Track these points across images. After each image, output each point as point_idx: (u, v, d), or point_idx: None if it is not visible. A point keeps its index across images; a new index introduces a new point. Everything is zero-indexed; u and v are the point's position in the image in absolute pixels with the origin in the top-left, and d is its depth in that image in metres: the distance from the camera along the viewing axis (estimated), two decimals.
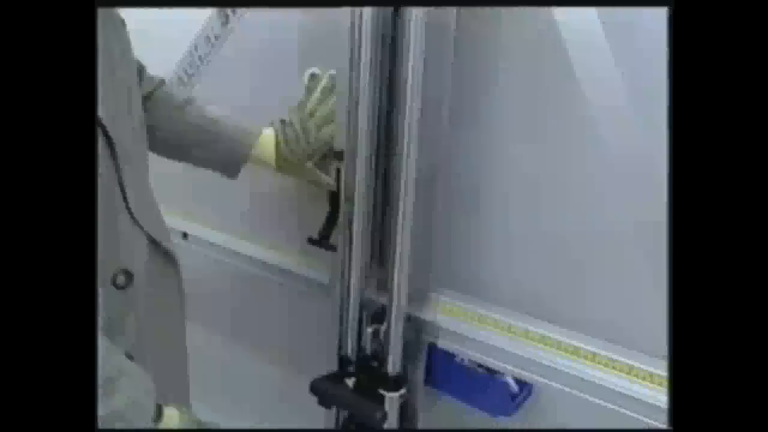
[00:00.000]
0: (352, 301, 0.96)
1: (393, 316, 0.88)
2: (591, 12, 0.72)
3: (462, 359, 0.95)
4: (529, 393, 0.93)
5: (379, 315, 0.93)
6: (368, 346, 0.94)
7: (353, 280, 0.95)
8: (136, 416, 0.69)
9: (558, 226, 0.83)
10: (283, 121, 0.95)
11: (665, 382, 0.76)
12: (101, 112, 0.68)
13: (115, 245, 0.74)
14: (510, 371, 0.89)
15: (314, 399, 1.13)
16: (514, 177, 0.85)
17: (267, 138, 0.96)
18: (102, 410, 0.65)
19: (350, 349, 0.95)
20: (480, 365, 0.93)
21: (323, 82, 0.94)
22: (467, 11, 0.80)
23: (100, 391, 0.64)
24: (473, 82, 0.84)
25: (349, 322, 0.94)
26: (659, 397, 0.76)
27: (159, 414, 0.73)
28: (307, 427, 1.19)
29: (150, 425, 0.71)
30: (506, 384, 0.91)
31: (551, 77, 0.78)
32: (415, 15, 0.77)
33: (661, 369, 0.77)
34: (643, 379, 0.78)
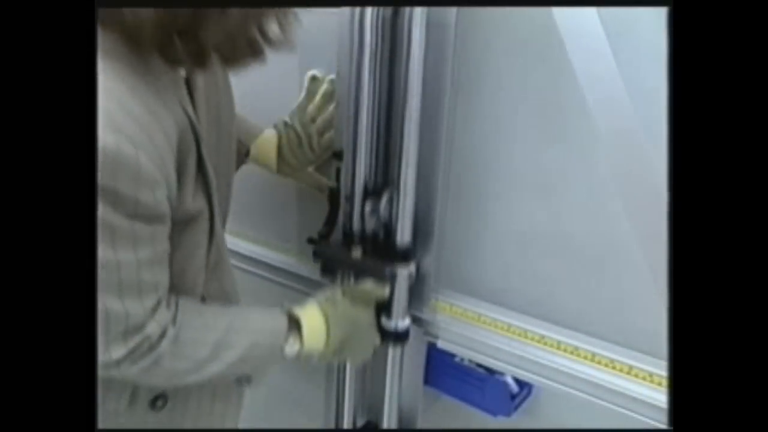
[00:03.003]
0: None
1: (402, 183, 0.84)
2: (591, 12, 0.72)
3: (462, 359, 0.95)
4: (529, 393, 0.94)
5: (378, 191, 0.88)
6: (368, 223, 0.89)
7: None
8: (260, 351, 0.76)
9: (558, 225, 0.83)
10: (285, 123, 0.95)
11: (665, 382, 0.76)
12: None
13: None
14: (510, 371, 0.89)
15: (314, 399, 1.13)
16: (514, 177, 0.85)
17: (268, 139, 0.96)
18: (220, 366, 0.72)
19: (355, 224, 0.90)
20: (480, 365, 0.93)
21: (324, 87, 0.93)
22: (467, 11, 0.80)
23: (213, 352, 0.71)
24: (473, 81, 0.84)
25: (356, 197, 0.89)
26: (659, 397, 0.76)
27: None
28: (307, 427, 1.19)
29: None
30: (506, 384, 0.91)
31: (551, 77, 0.78)
32: (415, 15, 0.77)
33: (661, 369, 0.77)
34: (643, 379, 0.78)
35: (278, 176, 0.99)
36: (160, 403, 0.79)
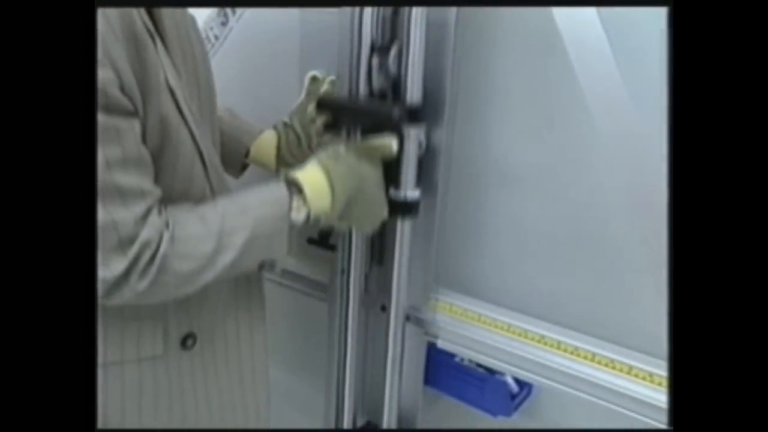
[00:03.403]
0: (351, 301, 0.96)
1: (412, 39, 0.79)
2: (591, 12, 0.72)
3: (462, 359, 0.95)
4: (529, 393, 0.94)
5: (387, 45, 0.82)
6: (375, 80, 0.82)
7: (353, 280, 0.95)
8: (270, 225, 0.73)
9: (558, 226, 0.83)
10: (285, 124, 0.95)
11: (665, 382, 0.76)
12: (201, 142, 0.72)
13: None
14: (510, 371, 0.89)
15: (314, 399, 1.13)
16: (514, 177, 0.85)
17: (268, 139, 0.96)
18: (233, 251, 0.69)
19: (361, 83, 0.84)
20: (480, 365, 0.93)
21: (324, 88, 0.93)
22: (467, 11, 0.80)
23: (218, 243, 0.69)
24: (473, 81, 0.84)
25: (362, 58, 0.82)
26: (659, 397, 0.76)
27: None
28: (307, 427, 1.19)
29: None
30: (506, 384, 0.91)
31: (551, 77, 0.78)
32: (415, 15, 0.77)
33: (661, 369, 0.77)
34: (643, 379, 0.78)
35: (278, 176, 0.99)
36: (189, 342, 0.79)
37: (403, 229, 0.87)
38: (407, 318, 0.93)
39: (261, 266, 0.78)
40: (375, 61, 0.81)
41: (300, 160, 0.95)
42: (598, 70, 0.73)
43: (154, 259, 0.65)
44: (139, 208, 0.64)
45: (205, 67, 0.79)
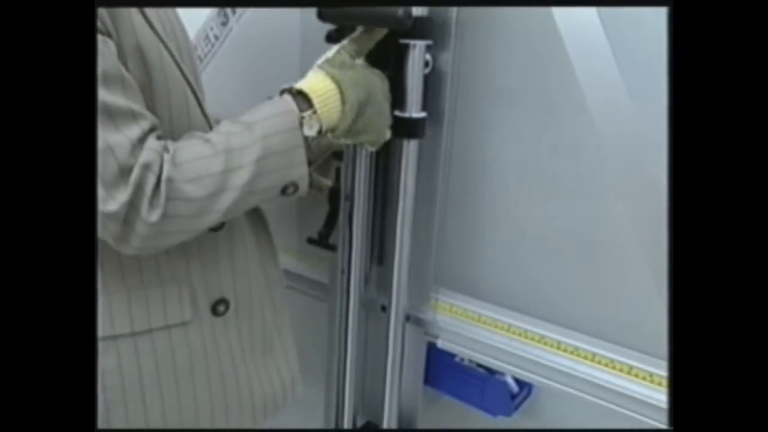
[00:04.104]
0: (351, 301, 0.96)
1: None
2: (591, 12, 0.72)
3: (462, 359, 0.95)
4: (529, 393, 0.94)
5: None
6: None
7: (353, 280, 0.95)
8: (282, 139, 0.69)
9: (558, 225, 0.83)
10: None
11: (665, 382, 0.76)
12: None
13: None
14: (510, 371, 0.89)
15: (314, 399, 1.13)
16: (514, 177, 0.85)
17: None
18: (246, 171, 0.65)
19: None
20: (480, 365, 0.93)
21: None
22: (467, 11, 0.80)
23: (228, 159, 0.64)
24: (473, 81, 0.84)
25: None
26: (659, 397, 0.76)
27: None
28: (307, 427, 1.19)
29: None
30: (506, 384, 0.92)
31: (551, 77, 0.78)
32: (415, 15, 0.77)
33: (661, 369, 0.77)
34: (643, 379, 0.78)
35: None
36: (221, 308, 0.77)
37: (403, 228, 0.87)
38: (407, 318, 0.93)
39: (284, 190, 0.72)
40: None
41: None
42: (598, 70, 0.73)
43: (159, 184, 0.62)
44: (133, 131, 0.61)
45: (184, 34, 0.75)
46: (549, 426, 0.95)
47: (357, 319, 0.96)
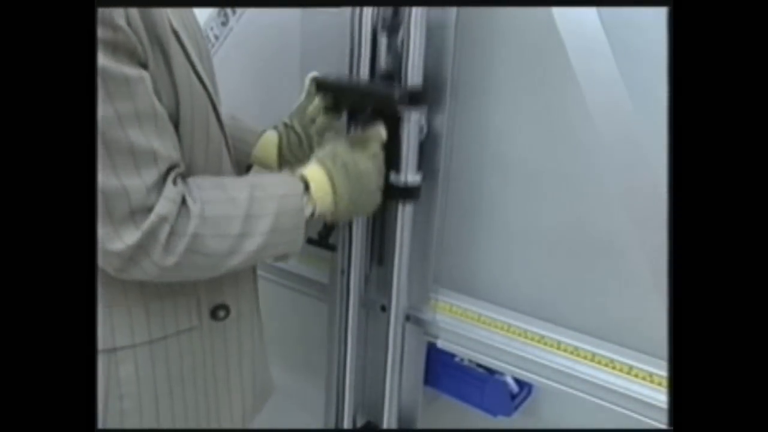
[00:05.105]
0: (351, 301, 0.96)
1: (412, 21, 0.78)
2: (591, 12, 0.72)
3: (462, 359, 0.95)
4: (529, 393, 0.94)
5: (396, 25, 0.82)
6: (383, 59, 0.82)
7: (353, 280, 0.95)
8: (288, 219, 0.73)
9: (558, 225, 0.83)
10: (286, 125, 0.95)
11: (665, 382, 0.76)
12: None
13: None
14: (510, 371, 0.89)
15: (314, 399, 1.13)
16: (514, 177, 0.85)
17: (269, 139, 0.96)
18: (257, 239, 0.69)
19: (362, 66, 0.84)
20: (480, 365, 0.93)
21: None
22: (467, 11, 0.80)
23: (244, 226, 0.68)
24: (473, 81, 0.84)
25: (363, 35, 0.82)
26: (659, 397, 0.76)
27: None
28: (307, 426, 1.19)
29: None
30: (506, 384, 0.92)
31: (551, 77, 0.78)
32: (415, 15, 0.77)
33: (661, 369, 0.77)
34: (643, 379, 0.78)
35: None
36: (222, 313, 0.79)
37: (403, 229, 0.87)
38: (407, 318, 0.93)
39: (277, 259, 0.78)
40: (383, 40, 0.80)
41: (301, 160, 0.95)
42: (598, 70, 0.73)
43: (176, 234, 0.64)
44: (150, 175, 0.63)
45: (205, 45, 0.77)
46: (549, 426, 0.95)
47: (357, 319, 0.96)
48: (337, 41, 0.87)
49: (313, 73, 0.96)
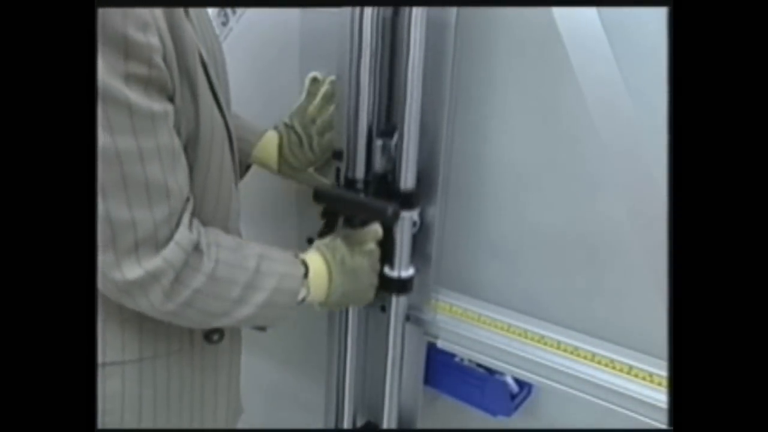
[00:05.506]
0: None
1: (407, 126, 0.82)
2: (591, 12, 0.72)
3: (462, 359, 0.95)
4: (529, 393, 0.94)
5: (390, 130, 0.85)
6: (377, 162, 0.85)
7: None
8: (283, 298, 0.74)
9: (558, 225, 0.83)
10: (286, 125, 0.95)
11: (665, 382, 0.76)
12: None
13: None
14: (510, 371, 0.89)
15: (314, 399, 1.13)
16: (514, 177, 0.85)
17: (270, 140, 0.96)
18: (250, 309, 0.71)
19: (358, 168, 0.87)
20: (480, 365, 0.93)
21: (324, 88, 0.94)
22: (467, 11, 0.80)
23: (243, 293, 0.70)
24: (473, 81, 0.84)
25: (359, 138, 0.86)
26: (659, 397, 0.76)
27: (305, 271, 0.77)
28: (307, 426, 1.19)
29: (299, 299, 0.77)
30: (506, 384, 0.91)
31: (551, 77, 0.78)
32: (415, 15, 0.77)
33: (661, 369, 0.77)
34: (643, 379, 0.78)
35: (279, 177, 0.99)
36: (216, 336, 0.79)
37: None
38: (407, 318, 0.93)
39: (254, 328, 0.81)
40: (378, 143, 0.85)
41: (302, 161, 0.96)
42: (598, 70, 0.73)
43: (181, 284, 0.65)
44: (161, 211, 0.62)
45: (222, 56, 0.79)
46: (549, 426, 0.95)
47: (357, 319, 0.96)
48: (337, 41, 0.87)
49: (314, 73, 0.96)
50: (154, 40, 0.58)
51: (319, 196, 0.86)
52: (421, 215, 0.88)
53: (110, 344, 0.73)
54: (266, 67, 1.06)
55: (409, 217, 0.86)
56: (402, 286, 0.89)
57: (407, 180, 0.84)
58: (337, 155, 0.92)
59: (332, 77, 0.93)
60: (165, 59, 0.60)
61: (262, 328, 0.81)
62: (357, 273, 0.83)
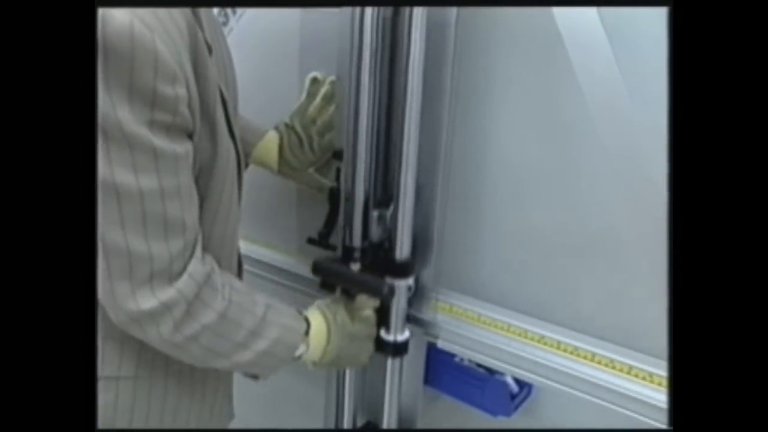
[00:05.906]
0: None
1: (402, 191, 0.84)
2: (591, 12, 0.72)
3: (462, 359, 0.95)
4: (529, 393, 0.94)
5: (386, 200, 0.88)
6: (374, 231, 0.88)
7: None
8: (282, 350, 0.76)
9: (559, 225, 0.83)
10: (286, 125, 0.95)
11: (665, 382, 0.76)
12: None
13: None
14: (510, 371, 0.89)
15: (314, 399, 1.13)
16: (514, 177, 0.85)
17: (270, 140, 0.96)
18: (250, 355, 0.72)
19: (355, 237, 0.89)
20: (480, 365, 0.93)
21: (324, 89, 0.93)
22: (467, 11, 0.80)
23: (247, 338, 0.71)
24: (473, 81, 0.84)
25: (355, 208, 0.88)
26: (659, 397, 0.76)
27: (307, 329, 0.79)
28: (307, 426, 1.19)
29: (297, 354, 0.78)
30: (506, 384, 0.91)
31: (551, 77, 0.78)
32: (415, 15, 0.77)
33: (661, 369, 0.77)
34: (643, 379, 0.78)
35: (279, 177, 0.99)
36: (175, 367, 0.78)
37: (403, 229, 0.87)
38: (407, 318, 0.93)
39: (247, 375, 0.81)
40: (374, 214, 0.88)
41: (302, 161, 0.96)
42: (598, 70, 0.73)
43: (192, 317, 0.66)
44: (177, 245, 0.64)
45: (233, 72, 0.80)
46: (549, 426, 0.95)
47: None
48: (337, 41, 0.87)
49: (314, 74, 0.96)
50: (182, 91, 0.59)
51: (317, 269, 0.90)
52: (417, 279, 0.91)
53: (108, 360, 0.73)
54: (266, 67, 1.06)
55: (404, 286, 0.89)
56: (397, 349, 0.91)
57: (402, 250, 0.87)
58: (338, 155, 0.92)
59: (332, 77, 0.93)
60: (189, 106, 0.61)
61: (254, 377, 0.82)
62: (353, 339, 0.85)
